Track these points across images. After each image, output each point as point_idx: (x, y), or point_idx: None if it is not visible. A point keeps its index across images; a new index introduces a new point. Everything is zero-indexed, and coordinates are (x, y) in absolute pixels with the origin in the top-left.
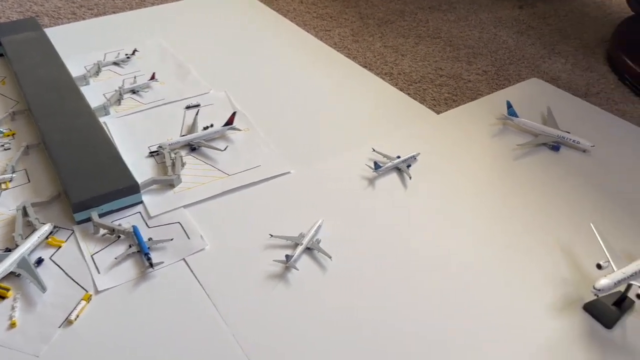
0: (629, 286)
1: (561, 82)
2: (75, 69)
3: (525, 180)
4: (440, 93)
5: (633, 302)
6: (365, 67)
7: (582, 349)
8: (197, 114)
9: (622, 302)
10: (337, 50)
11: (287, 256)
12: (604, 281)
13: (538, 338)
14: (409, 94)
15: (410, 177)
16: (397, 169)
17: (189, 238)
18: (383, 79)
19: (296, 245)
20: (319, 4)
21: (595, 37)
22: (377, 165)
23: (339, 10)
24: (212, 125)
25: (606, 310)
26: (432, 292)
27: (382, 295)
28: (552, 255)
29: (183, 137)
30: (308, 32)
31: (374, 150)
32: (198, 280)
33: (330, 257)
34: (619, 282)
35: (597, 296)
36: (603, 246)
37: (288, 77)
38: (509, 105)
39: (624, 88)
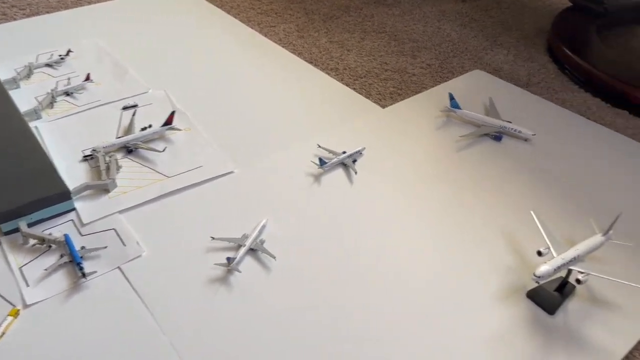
0: (569, 271)
1: (503, 73)
2: (4, 72)
3: (469, 170)
4: (385, 87)
5: (574, 287)
6: (310, 62)
7: (526, 336)
8: (133, 114)
9: (563, 288)
10: (282, 47)
11: (228, 259)
12: (543, 268)
13: (483, 327)
14: (354, 88)
15: (355, 172)
16: (343, 164)
17: (124, 245)
18: (329, 74)
19: (239, 247)
20: (264, 0)
21: (535, 28)
22: (322, 161)
23: (284, 6)
24: (150, 126)
25: (548, 297)
26: (379, 286)
27: (330, 293)
28: (496, 244)
29: (119, 139)
30: (252, 28)
31: (319, 146)
32: (134, 289)
33: (274, 258)
34: (558, 268)
35: (538, 283)
36: (543, 233)
37: (232, 74)
38: (452, 97)
39: (564, 77)
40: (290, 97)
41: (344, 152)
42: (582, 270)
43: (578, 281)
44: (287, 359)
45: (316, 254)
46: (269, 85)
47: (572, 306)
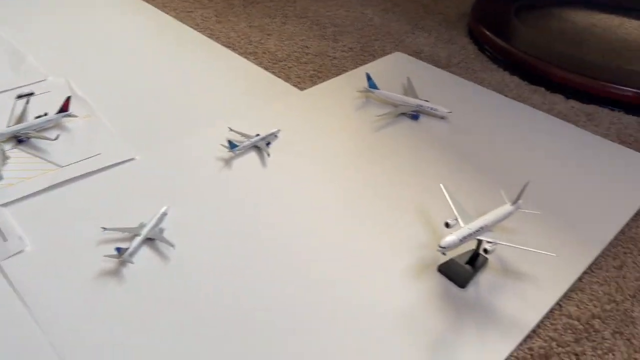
0: (480, 243)
1: (424, 55)
2: None
3: (386, 149)
4: (305, 70)
5: (486, 259)
6: (228, 47)
7: (437, 311)
8: (27, 102)
9: (475, 260)
10: (199, 32)
11: (118, 249)
12: (449, 238)
13: (393, 304)
14: (273, 72)
15: (268, 155)
16: (257, 148)
17: (5, 240)
18: (247, 58)
19: (134, 237)
20: None
21: (457, 12)
22: (232, 145)
23: None
24: (46, 114)
25: (459, 270)
26: (290, 269)
27: (235, 280)
28: (410, 221)
29: (8, 128)
30: (168, 14)
31: (230, 129)
32: (13, 286)
33: (172, 246)
34: (464, 238)
35: (444, 254)
36: (452, 205)
37: (143, 61)
38: (369, 78)
39: (483, 57)
40: (204, 82)
41: (258, 135)
42: (490, 240)
43: (485, 251)
44: (184, 353)
45: (222, 240)
46: (182, 71)
47: (484, 278)
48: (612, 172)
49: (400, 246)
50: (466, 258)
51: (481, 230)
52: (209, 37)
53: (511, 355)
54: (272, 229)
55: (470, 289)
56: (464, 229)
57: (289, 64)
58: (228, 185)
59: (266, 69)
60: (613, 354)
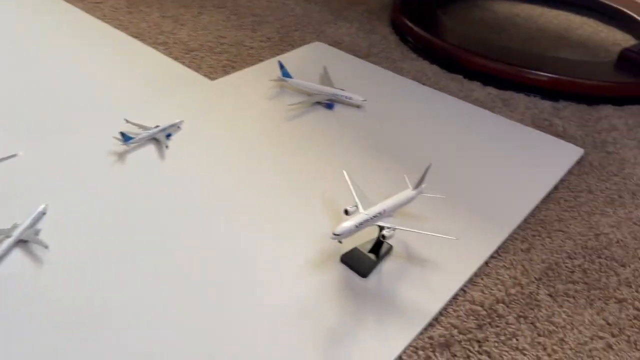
0: (382, 229)
1: (344, 45)
2: None
3: (298, 139)
4: (218, 61)
5: (390, 246)
6: (136, 37)
7: (337, 303)
8: None
9: (379, 248)
10: (106, 22)
11: None
12: (344, 224)
13: (293, 296)
14: (183, 62)
15: (167, 147)
16: (155, 140)
17: None
18: (156, 48)
19: (5, 238)
20: None
21: (381, 2)
22: (126, 137)
23: None
24: None
25: (362, 259)
26: (182, 264)
27: (122, 278)
28: (317, 210)
29: None
30: (74, 5)
31: (127, 121)
32: None
33: (46, 247)
34: (361, 224)
35: (341, 242)
36: (353, 191)
37: (39, 53)
38: (282, 66)
39: (404, 47)
40: (104, 74)
41: (157, 127)
42: (388, 225)
43: (383, 237)
44: None
45: (109, 237)
46: (82, 63)
47: (388, 267)
48: (525, 156)
49: (305, 237)
50: (369, 246)
51: (379, 215)
52: (116, 27)
53: (410, 345)
54: (165, 225)
55: (373, 278)
56: (361, 214)
57: (202, 54)
58: (120, 180)
59: (176, 59)
60: (517, 339)
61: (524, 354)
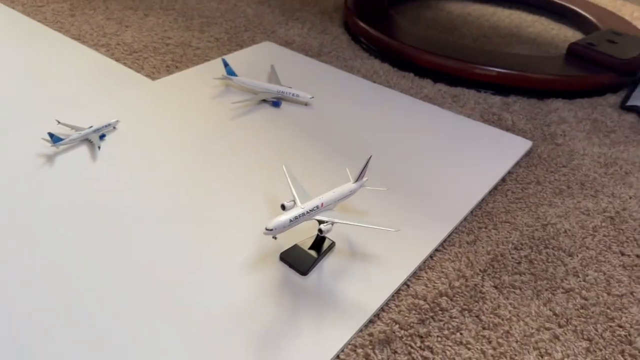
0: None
1: (295, 45)
2: None
3: (241, 137)
4: (162, 61)
5: (332, 242)
6: (77, 40)
7: (274, 302)
8: None
9: (320, 245)
10: (46, 25)
11: None
12: (277, 218)
13: (228, 297)
14: (124, 63)
15: (99, 147)
16: (89, 141)
17: None
18: (98, 50)
19: None
20: None
21: (335, 4)
22: (55, 138)
23: None
24: None
25: (302, 256)
26: (114, 267)
27: (46, 285)
28: (258, 208)
29: None
30: (14, 8)
31: (59, 122)
32: None
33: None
34: (296, 219)
35: (275, 237)
36: (291, 186)
37: None
38: (226, 64)
39: (356, 47)
40: (38, 76)
41: (91, 127)
42: (325, 219)
43: (320, 231)
44: None
45: (30, 242)
46: (16, 64)
47: (329, 263)
48: (472, 149)
49: (244, 236)
50: (310, 243)
51: (317, 209)
52: (57, 30)
53: (349, 343)
54: (93, 229)
55: (313, 275)
56: (297, 208)
57: (145, 55)
58: (48, 182)
59: (117, 60)
60: (461, 333)
61: (468, 348)
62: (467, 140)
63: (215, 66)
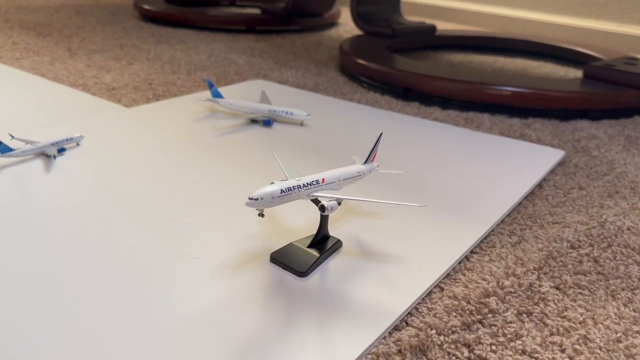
0: (325, 221)
1: (289, 84)
2: None
3: (227, 151)
4: (143, 96)
5: (338, 241)
6: (54, 81)
7: (266, 306)
8: None
9: (322, 243)
10: (23, 70)
11: None
12: (266, 188)
13: (209, 303)
14: (101, 97)
15: (55, 157)
16: (46, 155)
17: None
18: (75, 88)
19: None
20: (30, 42)
21: (330, 55)
22: (3, 147)
23: (42, 45)
24: None
25: (299, 255)
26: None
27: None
28: (241, 211)
29: None
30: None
31: (12, 137)
32: None
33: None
34: (289, 191)
35: (260, 213)
36: (282, 168)
37: None
38: (211, 85)
39: (354, 84)
40: (8, 108)
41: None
42: (327, 195)
43: (323, 208)
44: None
45: None
46: None
47: (335, 264)
48: (501, 159)
49: (226, 239)
50: (308, 242)
51: (316, 184)
52: (34, 75)
53: (368, 351)
54: (56, 244)
55: (314, 277)
56: (291, 180)
57: (124, 91)
58: None
59: (94, 94)
60: (522, 340)
61: (535, 358)
62: (495, 153)
63: (199, 96)
